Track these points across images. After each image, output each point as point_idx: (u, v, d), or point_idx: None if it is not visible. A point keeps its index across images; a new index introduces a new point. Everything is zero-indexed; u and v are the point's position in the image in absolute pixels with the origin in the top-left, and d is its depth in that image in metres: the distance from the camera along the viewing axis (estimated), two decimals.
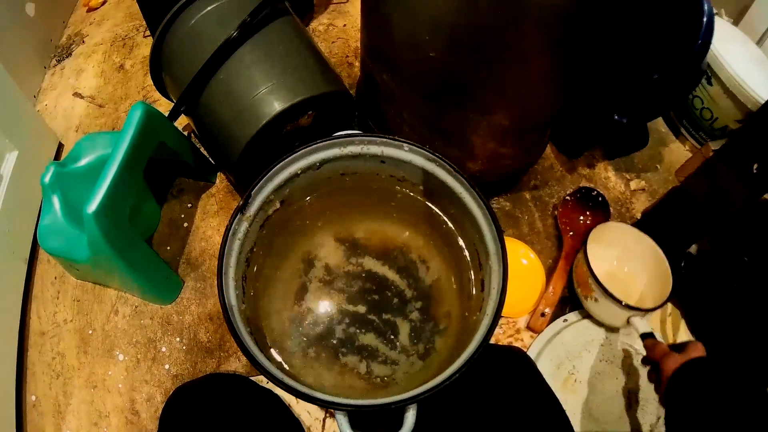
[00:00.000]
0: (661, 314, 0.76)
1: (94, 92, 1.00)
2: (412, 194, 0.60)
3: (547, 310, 0.71)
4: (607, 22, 0.61)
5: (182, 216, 0.81)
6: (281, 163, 0.55)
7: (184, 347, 0.70)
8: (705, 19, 0.70)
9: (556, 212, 0.82)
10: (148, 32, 1.08)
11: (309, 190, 0.59)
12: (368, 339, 0.56)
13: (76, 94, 1.01)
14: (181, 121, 0.76)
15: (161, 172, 0.79)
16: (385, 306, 0.58)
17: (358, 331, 0.57)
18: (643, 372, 0.69)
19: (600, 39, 0.64)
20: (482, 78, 0.61)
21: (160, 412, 0.57)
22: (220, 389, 0.55)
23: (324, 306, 0.58)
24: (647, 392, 0.68)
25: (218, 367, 0.69)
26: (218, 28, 0.66)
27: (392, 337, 0.56)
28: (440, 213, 0.60)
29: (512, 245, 0.77)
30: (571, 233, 0.79)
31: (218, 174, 0.86)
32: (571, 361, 0.69)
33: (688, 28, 0.72)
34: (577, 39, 0.59)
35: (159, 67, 0.74)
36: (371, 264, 0.59)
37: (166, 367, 0.69)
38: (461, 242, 0.58)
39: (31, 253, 0.78)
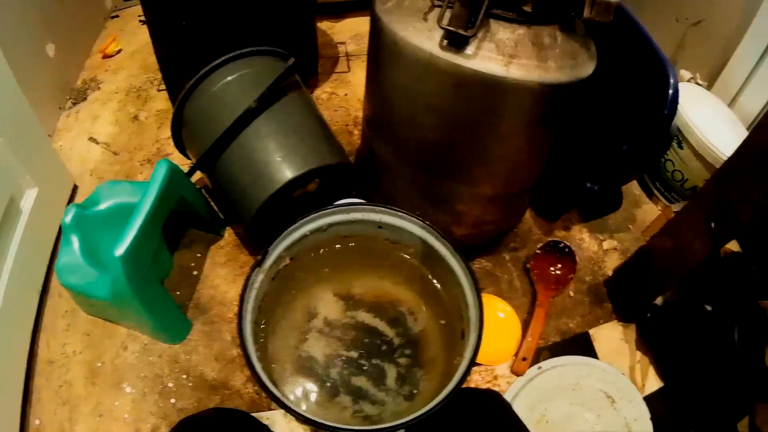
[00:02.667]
0: (630, 361, 0.82)
1: (110, 140, 1.06)
2: (404, 255, 0.68)
3: (527, 356, 0.78)
4: (578, 104, 0.68)
5: (192, 264, 0.87)
6: (294, 225, 0.63)
7: (191, 384, 0.74)
8: (671, 92, 0.74)
9: (528, 265, 0.89)
10: (162, 86, 1.15)
11: (315, 249, 0.67)
12: (360, 382, 0.63)
13: (92, 139, 1.05)
14: (195, 177, 0.82)
15: (176, 223, 0.85)
16: (376, 353, 0.65)
17: (351, 374, 0.63)
18: (612, 414, 0.74)
19: (572, 117, 0.71)
20: (470, 154, 0.68)
21: None
22: (222, 422, 0.60)
23: (322, 352, 0.64)
24: None
25: (221, 403, 0.73)
26: (238, 97, 0.73)
27: (381, 380, 0.63)
28: (428, 272, 0.68)
29: (490, 301, 0.84)
30: (543, 283, 0.86)
31: (227, 228, 0.91)
32: (543, 404, 0.74)
33: (655, 101, 0.76)
34: (550, 120, 0.66)
35: (180, 126, 0.80)
36: (365, 316, 0.67)
37: (172, 401, 0.72)
38: (445, 297, 0.66)
39: (43, 286, 0.80)
